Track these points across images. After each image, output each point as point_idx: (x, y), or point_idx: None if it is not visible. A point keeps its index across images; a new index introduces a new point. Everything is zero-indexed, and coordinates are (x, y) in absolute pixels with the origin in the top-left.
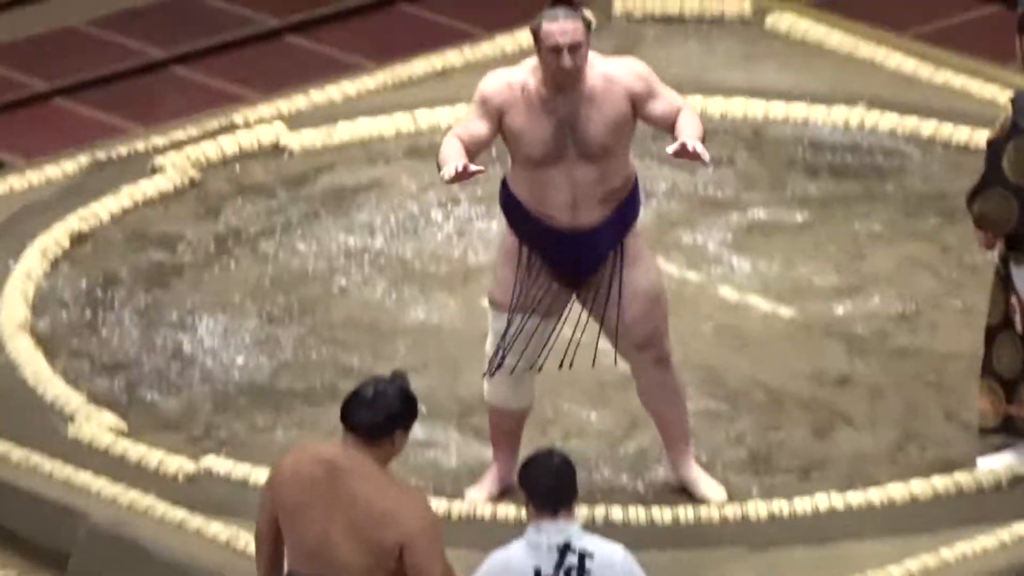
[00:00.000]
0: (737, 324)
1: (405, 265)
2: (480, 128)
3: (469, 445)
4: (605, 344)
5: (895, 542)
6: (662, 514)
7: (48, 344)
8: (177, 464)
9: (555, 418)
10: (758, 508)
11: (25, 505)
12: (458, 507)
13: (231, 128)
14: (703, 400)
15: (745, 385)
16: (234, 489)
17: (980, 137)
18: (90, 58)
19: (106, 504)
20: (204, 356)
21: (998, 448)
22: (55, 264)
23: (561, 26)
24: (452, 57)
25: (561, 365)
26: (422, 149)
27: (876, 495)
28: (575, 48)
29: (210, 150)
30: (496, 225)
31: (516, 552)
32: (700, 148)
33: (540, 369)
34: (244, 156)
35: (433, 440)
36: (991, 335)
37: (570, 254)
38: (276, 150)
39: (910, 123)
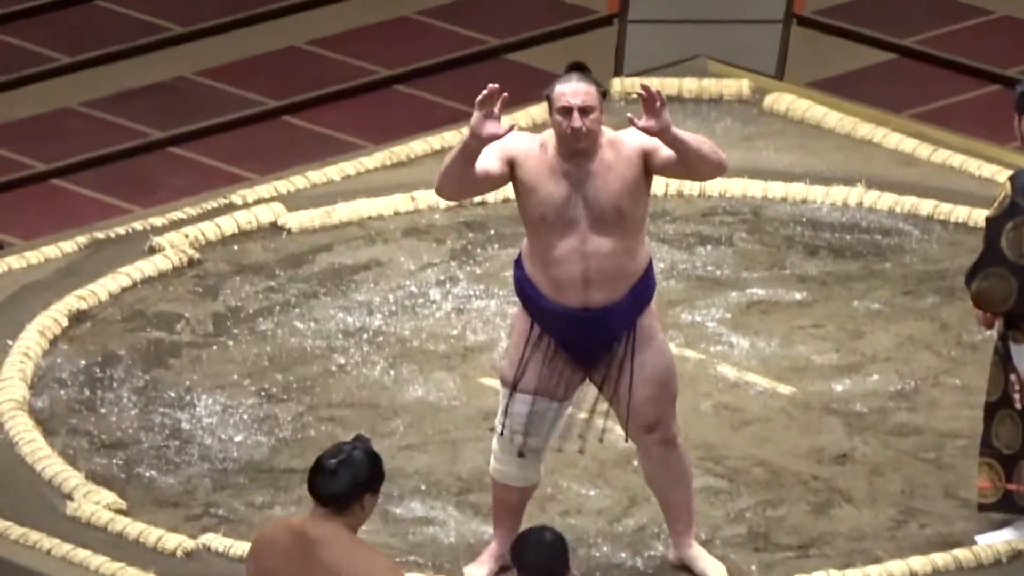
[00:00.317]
0: (736, 402)
1: (403, 344)
2: (489, 163)
3: (468, 522)
4: (607, 421)
5: None
6: None
7: (47, 422)
8: (176, 541)
9: (554, 495)
10: None
11: None
12: None
13: (229, 208)
14: (702, 477)
15: (744, 462)
16: (233, 566)
17: (979, 216)
18: (87, 138)
19: None
20: (203, 434)
21: (998, 525)
22: (53, 343)
23: (574, 88)
24: (449, 137)
25: (581, 450)
26: (420, 228)
27: (876, 572)
28: (587, 111)
29: (208, 230)
30: (495, 304)
31: None
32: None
33: (559, 449)
34: (242, 236)
35: (432, 517)
36: (990, 412)
37: (582, 335)
38: (274, 230)
39: (909, 202)
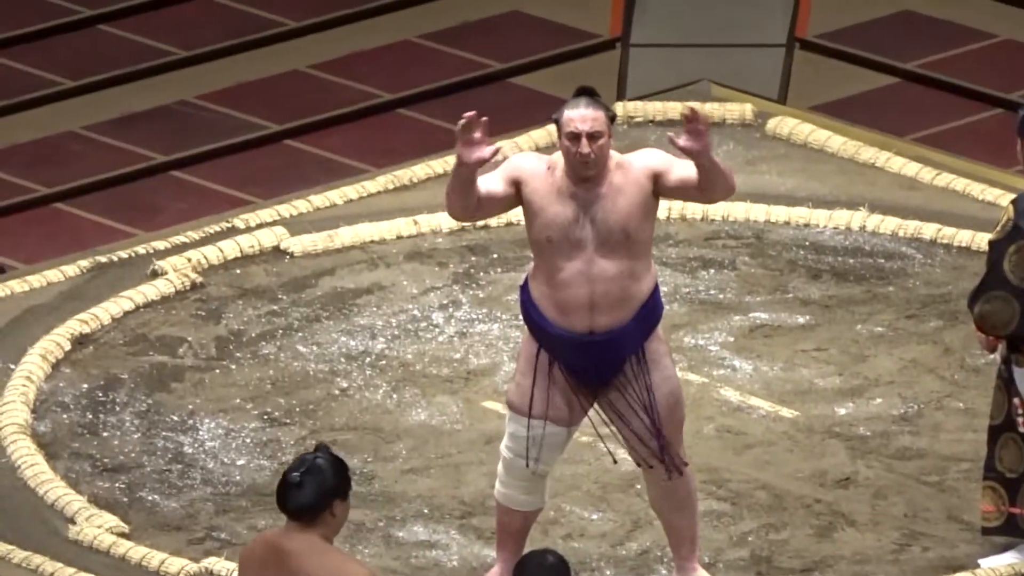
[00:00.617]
0: (739, 425)
1: (406, 367)
2: (495, 185)
3: (471, 546)
4: (610, 444)
5: None
6: None
7: (49, 446)
8: (179, 565)
9: (557, 518)
10: None
11: None
12: None
13: (232, 232)
14: (705, 500)
15: (747, 486)
16: None
17: (982, 239)
18: (90, 162)
19: None
20: (205, 458)
21: (1001, 549)
22: (56, 367)
23: (582, 114)
24: (452, 161)
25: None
26: (423, 252)
27: None
28: (595, 136)
29: (211, 254)
30: (497, 328)
31: None
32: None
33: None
34: (245, 260)
35: (435, 541)
36: (994, 436)
37: (588, 359)
38: (277, 253)
39: (912, 226)
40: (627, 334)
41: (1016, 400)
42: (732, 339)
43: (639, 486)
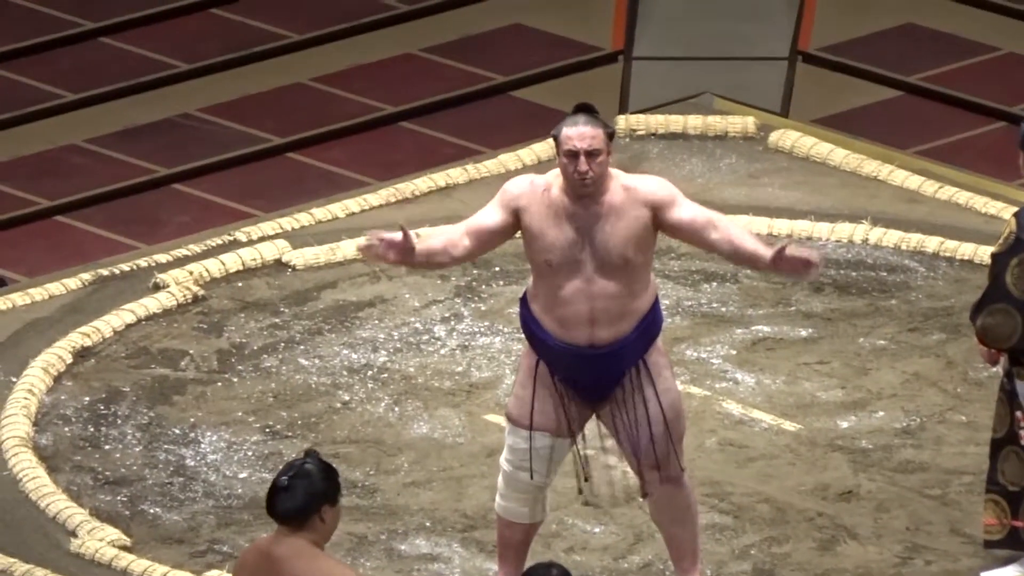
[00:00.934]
0: (741, 439)
1: (408, 380)
2: (492, 217)
3: (473, 559)
4: (613, 458)
5: None
6: None
7: (51, 459)
8: None
9: (559, 532)
10: None
11: None
12: None
13: (234, 245)
14: (707, 514)
15: (749, 499)
16: None
17: (984, 252)
18: (92, 175)
19: None
20: (207, 471)
21: (1003, 562)
22: (58, 380)
23: (580, 131)
24: (455, 174)
25: (586, 479)
26: None
27: None
28: (593, 154)
29: (213, 267)
30: (499, 341)
31: None
32: (806, 253)
33: (588, 478)
34: (247, 273)
35: (437, 554)
36: (996, 449)
37: (589, 372)
38: (279, 266)
39: (914, 239)
40: (627, 347)
41: (1018, 413)
42: (734, 352)
43: (641, 499)
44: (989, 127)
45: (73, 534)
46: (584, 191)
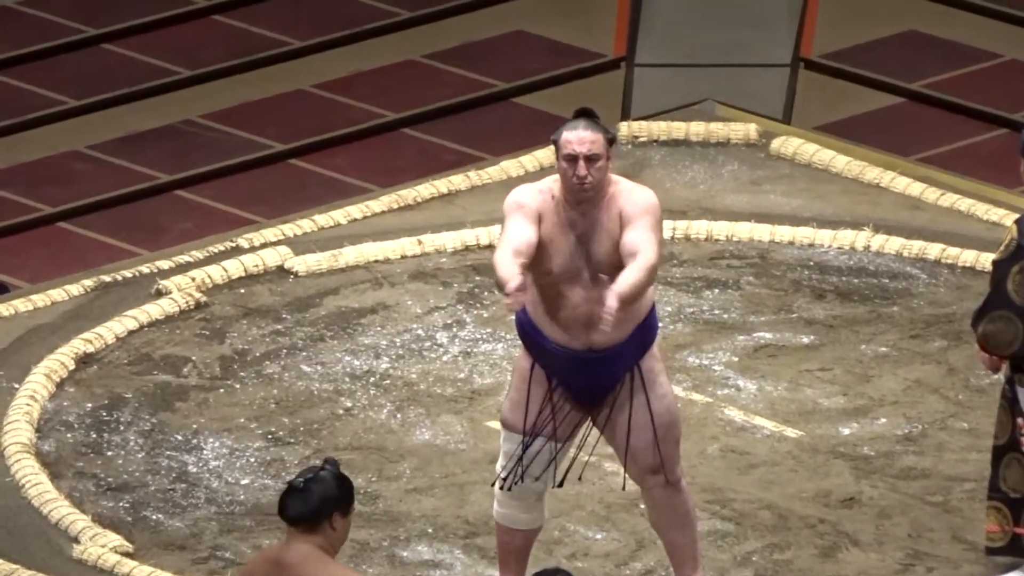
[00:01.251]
0: (743, 445)
1: (410, 387)
2: (529, 232)
3: (475, 565)
4: (614, 464)
5: None
6: None
7: (53, 465)
8: None
9: (561, 538)
10: None
11: None
12: None
13: (236, 251)
14: (709, 520)
15: (751, 506)
16: None
17: (986, 259)
18: (94, 182)
19: None
20: (209, 477)
21: (1005, 569)
22: (60, 386)
23: (580, 136)
24: (457, 180)
25: (563, 481)
26: (427, 272)
27: None
28: (592, 159)
29: (215, 273)
30: (501, 347)
31: None
32: (607, 315)
33: (561, 484)
34: (249, 279)
35: (439, 560)
36: (998, 456)
37: (585, 376)
38: (281, 273)
39: (916, 246)
40: (624, 351)
41: (1020, 420)
42: (736, 359)
43: (643, 506)
44: (991, 134)
45: (75, 540)
46: (582, 196)
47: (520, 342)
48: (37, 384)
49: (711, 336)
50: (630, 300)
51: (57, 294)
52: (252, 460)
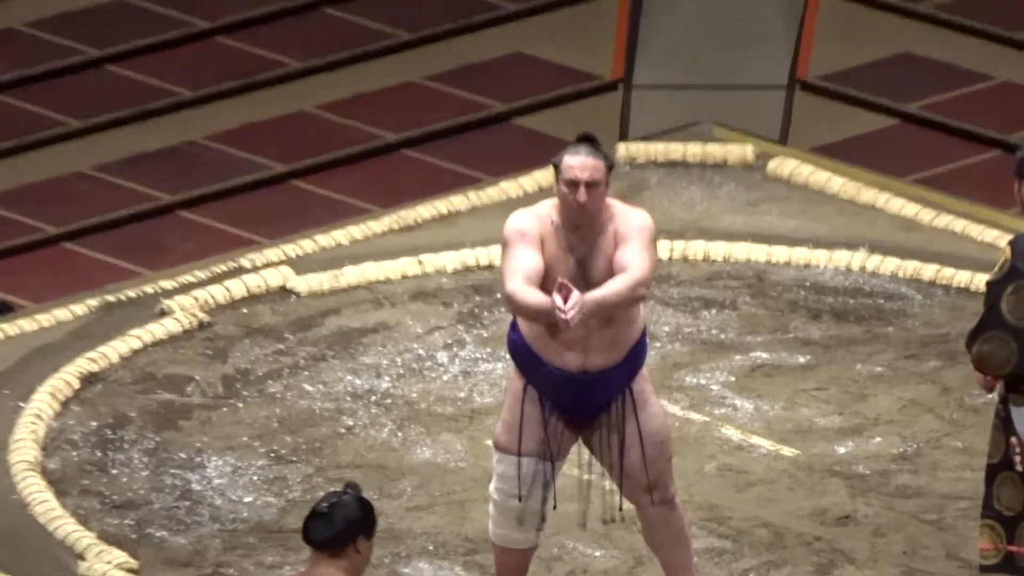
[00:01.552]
0: (740, 464)
1: (411, 406)
2: (536, 259)
3: None
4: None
5: None
6: None
7: (59, 483)
8: None
9: (560, 555)
10: None
11: None
12: None
13: (238, 271)
14: (706, 538)
15: (748, 523)
16: None
17: (981, 280)
18: (98, 202)
19: None
20: (213, 495)
21: None
22: (65, 405)
23: (582, 162)
24: (457, 201)
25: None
26: (427, 292)
27: None
28: (592, 185)
29: (218, 293)
30: (501, 367)
31: None
32: (567, 314)
33: (555, 507)
34: (251, 299)
35: None
36: (992, 474)
37: (578, 397)
38: (283, 293)
39: (911, 266)
40: (617, 373)
41: (1014, 439)
42: (733, 378)
43: (620, 520)
44: (985, 155)
45: (81, 557)
46: (580, 220)
47: (512, 363)
48: (42, 403)
49: (708, 356)
50: (603, 309)
51: (61, 314)
52: (255, 478)
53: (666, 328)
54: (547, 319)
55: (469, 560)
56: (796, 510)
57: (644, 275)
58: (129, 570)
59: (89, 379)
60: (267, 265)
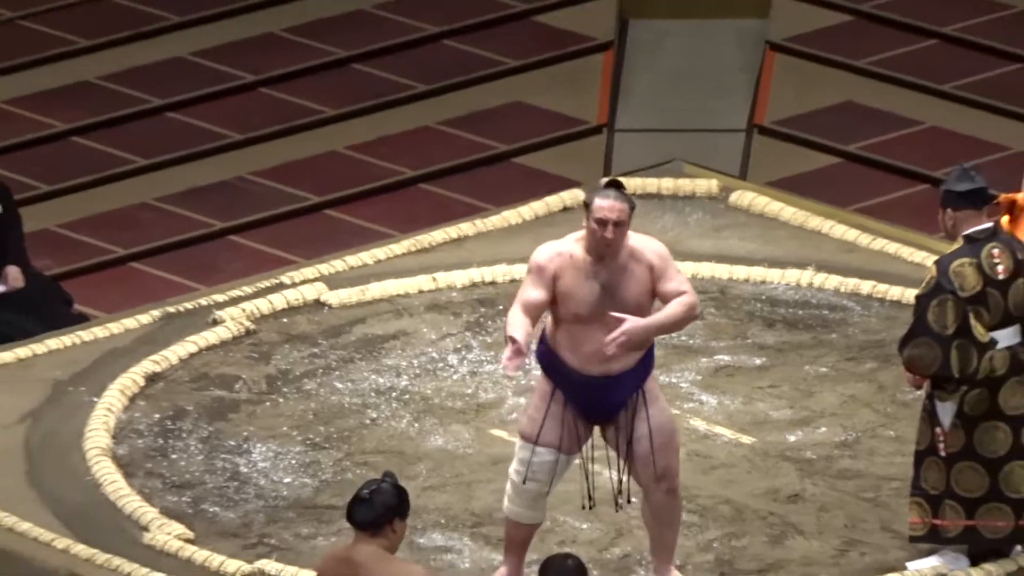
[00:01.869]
0: (706, 450)
1: (426, 401)
2: (538, 295)
3: (480, 551)
4: (599, 466)
5: None
6: None
7: (126, 467)
8: (235, 566)
9: (552, 528)
10: None
11: None
12: None
13: (280, 287)
14: None
15: (712, 501)
16: None
17: (910, 294)
18: (160, 229)
19: None
20: (257, 476)
21: (926, 554)
22: (132, 400)
23: (611, 204)
24: (465, 227)
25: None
26: (440, 304)
27: None
28: (618, 224)
29: (262, 305)
30: (503, 368)
31: None
32: (614, 344)
33: (593, 505)
34: (291, 310)
35: (450, 546)
36: (919, 459)
37: (598, 398)
38: (317, 305)
39: (852, 282)
40: (633, 376)
41: (938, 429)
42: (700, 378)
43: (620, 502)
44: (915, 189)
45: (145, 529)
46: (605, 253)
47: (536, 368)
48: (113, 398)
49: (679, 358)
50: (663, 331)
51: (129, 322)
52: (293, 462)
53: None
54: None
55: (475, 532)
56: (753, 489)
57: (695, 298)
58: (186, 540)
59: (152, 378)
60: (304, 281)
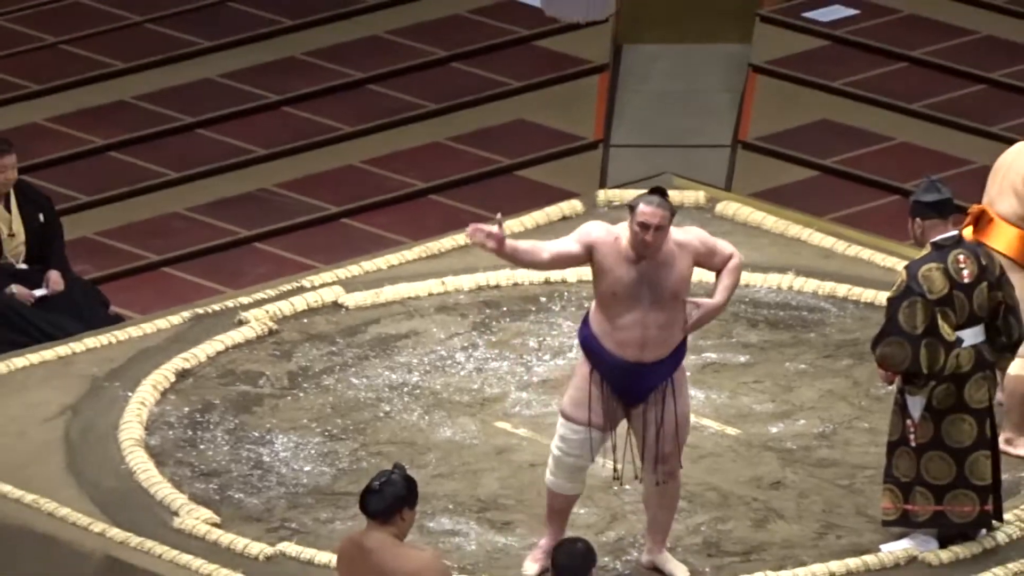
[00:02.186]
0: (694, 441)
1: (435, 395)
2: (570, 246)
3: (486, 534)
4: (599, 457)
5: None
6: None
7: (158, 456)
8: (259, 548)
9: None
10: None
11: None
12: None
13: (300, 290)
14: None
15: (700, 487)
16: (303, 567)
17: (882, 297)
18: (190, 236)
19: None
20: (279, 465)
21: (897, 537)
22: (164, 394)
23: (653, 210)
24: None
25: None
26: (449, 306)
27: (803, 573)
28: (659, 228)
29: (284, 307)
30: (507, 365)
31: None
32: (691, 328)
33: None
34: (311, 311)
35: (457, 530)
36: (891, 449)
37: (632, 382)
38: (335, 307)
39: (829, 286)
40: (665, 365)
41: (909, 421)
42: (689, 373)
43: (615, 488)
44: (887, 200)
45: (175, 514)
46: (645, 254)
47: (576, 350)
48: (146, 393)
49: None
50: (728, 302)
51: (161, 323)
52: (313, 452)
53: None
54: (523, 261)
55: (481, 517)
56: (738, 477)
57: (738, 257)
58: (213, 524)
59: (182, 374)
60: (323, 285)
